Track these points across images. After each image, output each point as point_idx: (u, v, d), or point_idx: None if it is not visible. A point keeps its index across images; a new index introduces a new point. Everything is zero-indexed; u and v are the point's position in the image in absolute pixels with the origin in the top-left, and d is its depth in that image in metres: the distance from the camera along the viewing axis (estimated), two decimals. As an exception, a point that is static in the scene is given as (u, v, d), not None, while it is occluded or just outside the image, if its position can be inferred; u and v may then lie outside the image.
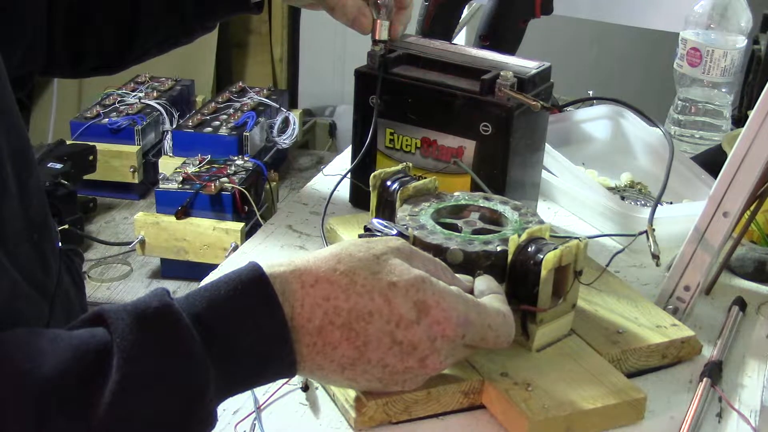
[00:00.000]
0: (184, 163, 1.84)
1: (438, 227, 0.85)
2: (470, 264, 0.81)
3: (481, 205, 0.90)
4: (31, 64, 1.05)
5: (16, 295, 0.78)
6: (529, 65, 1.04)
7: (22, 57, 1.01)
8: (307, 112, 2.99)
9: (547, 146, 1.13)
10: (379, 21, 1.06)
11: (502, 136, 0.99)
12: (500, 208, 0.90)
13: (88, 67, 1.13)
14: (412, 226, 0.84)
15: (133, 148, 1.99)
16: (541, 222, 0.87)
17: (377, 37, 1.07)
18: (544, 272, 0.78)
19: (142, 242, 1.73)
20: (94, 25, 1.08)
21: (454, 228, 0.86)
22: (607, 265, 0.91)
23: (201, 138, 1.96)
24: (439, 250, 0.81)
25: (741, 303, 0.94)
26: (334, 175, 1.21)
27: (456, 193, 0.92)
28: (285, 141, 2.11)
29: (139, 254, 1.77)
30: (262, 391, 0.78)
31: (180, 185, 1.74)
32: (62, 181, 1.80)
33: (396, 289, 0.70)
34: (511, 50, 1.21)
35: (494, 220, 0.89)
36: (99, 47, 1.10)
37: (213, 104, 2.13)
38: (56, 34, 1.06)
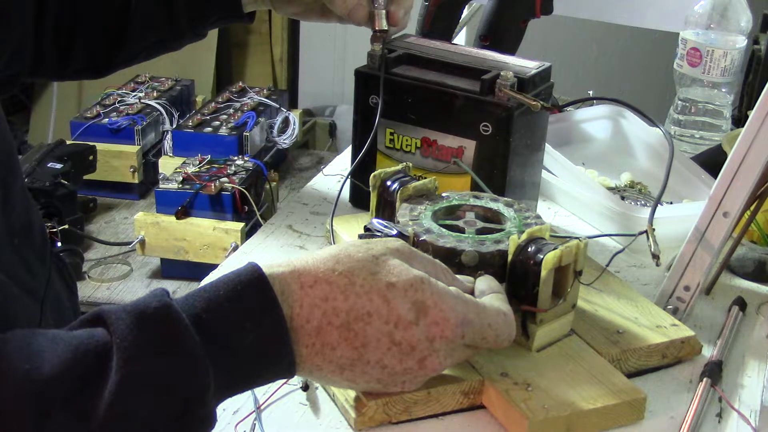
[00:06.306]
0: (184, 163, 1.84)
1: (445, 230, 0.85)
2: (485, 264, 0.81)
3: (474, 204, 0.90)
4: (17, 65, 1.03)
5: (6, 296, 0.77)
6: (529, 65, 1.04)
7: (8, 58, 1.00)
8: (307, 112, 2.99)
9: (547, 146, 1.13)
10: (376, 12, 1.05)
11: (502, 136, 0.99)
12: (493, 205, 0.90)
13: (76, 70, 1.12)
14: (419, 231, 0.83)
15: (133, 148, 2.00)
16: (541, 221, 0.87)
17: (377, 27, 1.05)
18: (544, 272, 0.78)
19: (142, 242, 1.73)
20: (84, 27, 1.07)
21: (455, 229, 0.86)
22: (607, 265, 0.91)
23: (201, 138, 1.96)
24: (453, 253, 0.81)
25: (741, 303, 0.94)
26: (334, 175, 1.21)
27: (445, 194, 0.92)
28: (285, 141, 2.11)
29: (139, 254, 1.77)
30: (262, 391, 0.78)
31: (180, 185, 1.74)
32: (62, 181, 1.80)
33: (395, 289, 0.69)
34: (511, 50, 1.21)
35: (490, 218, 0.89)
36: (88, 50, 1.09)
37: (213, 104, 2.13)
38: (45, 36, 1.05)
